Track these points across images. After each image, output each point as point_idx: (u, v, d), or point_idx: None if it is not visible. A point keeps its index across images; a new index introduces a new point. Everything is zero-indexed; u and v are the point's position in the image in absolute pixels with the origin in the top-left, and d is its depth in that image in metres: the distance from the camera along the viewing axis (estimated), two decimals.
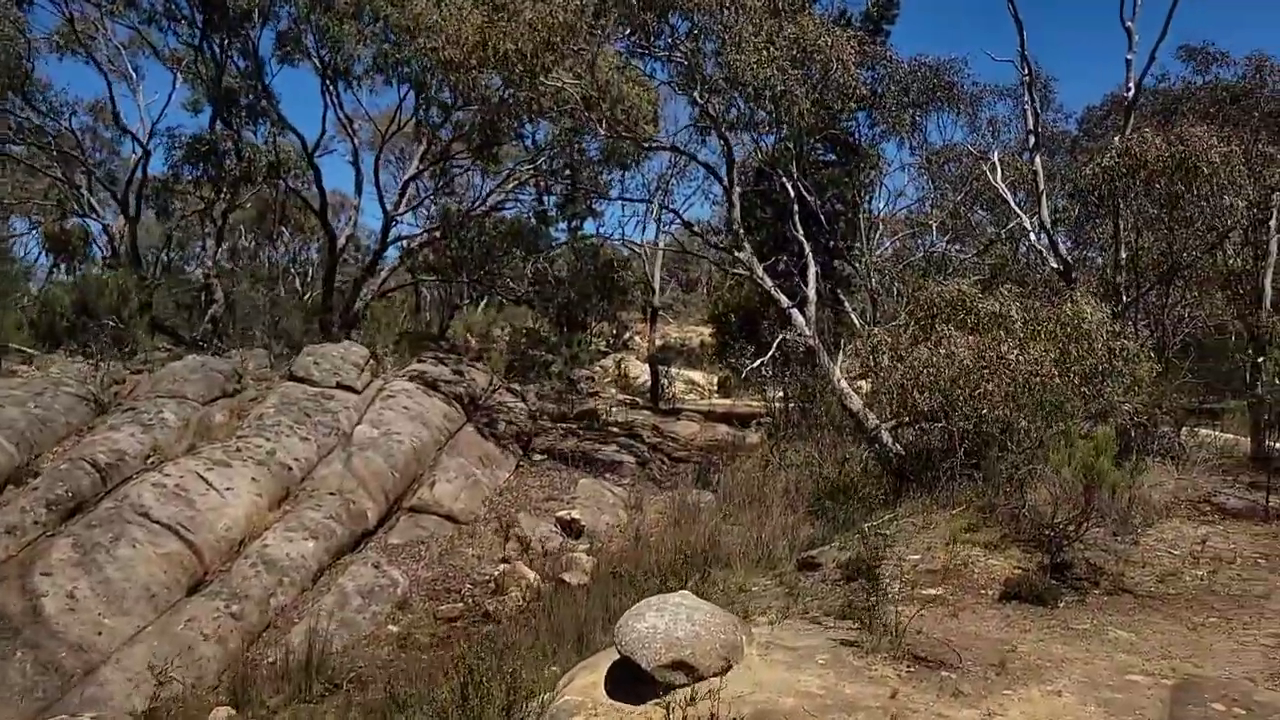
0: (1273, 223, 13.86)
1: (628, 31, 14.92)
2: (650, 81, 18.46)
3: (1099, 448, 8.09)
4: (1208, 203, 13.57)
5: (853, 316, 19.21)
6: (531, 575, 10.63)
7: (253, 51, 20.78)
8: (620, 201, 26.47)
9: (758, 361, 14.87)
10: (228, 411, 12.90)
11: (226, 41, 18.74)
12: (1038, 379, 10.22)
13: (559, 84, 15.32)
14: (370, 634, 9.37)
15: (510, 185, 27.21)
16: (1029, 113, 15.36)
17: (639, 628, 5.99)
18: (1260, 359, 12.70)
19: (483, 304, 35.09)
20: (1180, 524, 9.87)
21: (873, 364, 11.38)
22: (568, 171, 27.12)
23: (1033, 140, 15.41)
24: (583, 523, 12.34)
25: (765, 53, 14.66)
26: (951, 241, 22.02)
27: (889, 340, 11.15)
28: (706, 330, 33.58)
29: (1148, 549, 8.96)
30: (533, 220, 31.34)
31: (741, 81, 15.18)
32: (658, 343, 37.93)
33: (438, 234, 24.59)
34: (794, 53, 15.29)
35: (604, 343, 38.76)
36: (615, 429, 18.34)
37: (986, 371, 10.68)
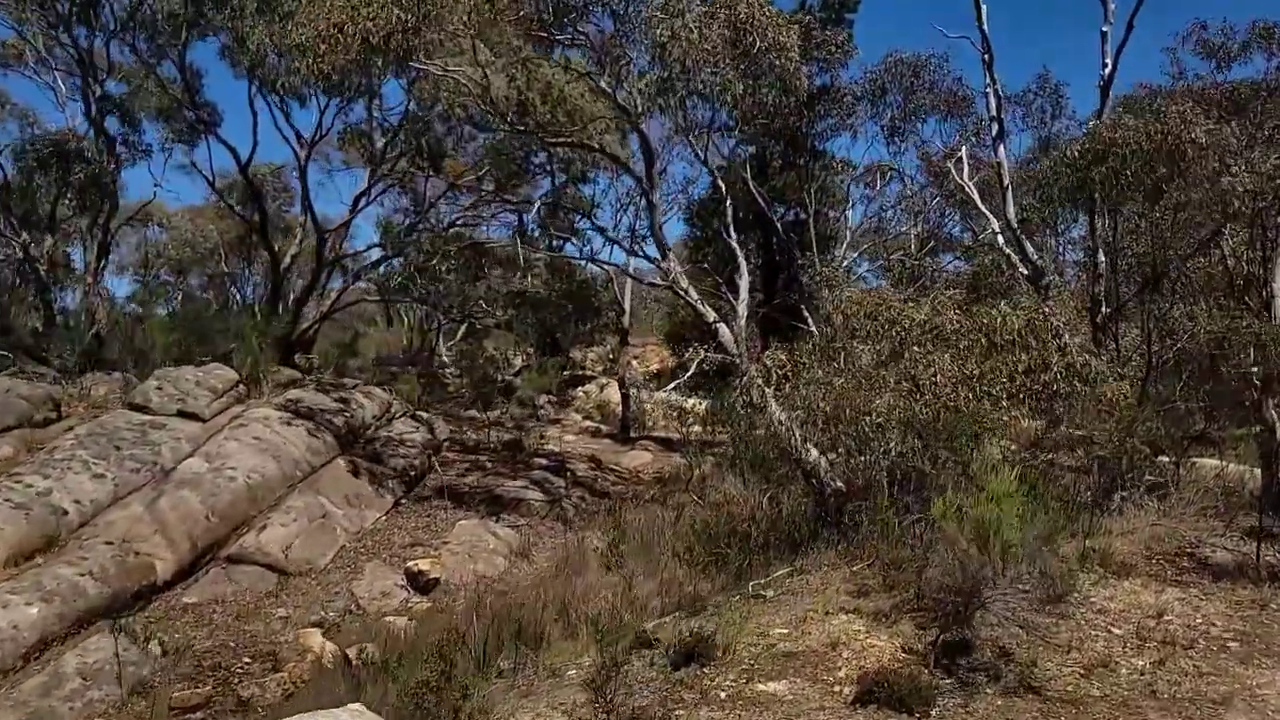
0: None
1: (520, 14, 13.15)
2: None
3: (995, 494, 6.03)
4: (1197, 192, 11.47)
5: (815, 332, 17.21)
6: (318, 648, 8.65)
7: (183, 63, 19.56)
8: (589, 220, 24.64)
9: (674, 384, 13.01)
10: (20, 444, 11.16)
11: (93, 33, 17.33)
12: (954, 402, 8.16)
13: (442, 71, 13.64)
14: None
15: (470, 200, 25.69)
16: (990, 96, 13.34)
17: None
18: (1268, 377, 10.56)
19: (462, 329, 33.45)
20: (1140, 587, 7.71)
21: (752, 397, 9.40)
22: (550, 190, 25.59)
23: (996, 129, 13.38)
24: (433, 575, 10.35)
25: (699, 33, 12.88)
26: (930, 252, 19.92)
27: (783, 360, 9.14)
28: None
29: (1082, 625, 6.84)
30: (516, 242, 29.80)
31: (668, 62, 13.37)
32: (654, 368, 36.23)
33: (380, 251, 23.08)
34: (726, 33, 13.51)
35: (599, 367, 37.15)
36: (542, 460, 16.40)
37: (902, 397, 8.63)
